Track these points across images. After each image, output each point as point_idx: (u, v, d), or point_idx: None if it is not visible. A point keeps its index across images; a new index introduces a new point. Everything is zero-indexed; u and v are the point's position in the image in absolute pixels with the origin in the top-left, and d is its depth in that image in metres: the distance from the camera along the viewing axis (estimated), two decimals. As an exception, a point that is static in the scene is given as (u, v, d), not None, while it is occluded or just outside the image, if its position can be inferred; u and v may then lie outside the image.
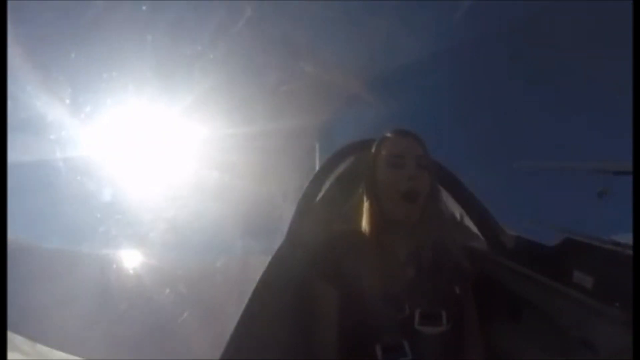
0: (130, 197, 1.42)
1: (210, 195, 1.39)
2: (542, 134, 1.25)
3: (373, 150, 0.95)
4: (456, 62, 1.36)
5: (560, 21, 1.19)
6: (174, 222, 1.39)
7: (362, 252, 0.90)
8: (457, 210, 1.20)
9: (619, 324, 0.76)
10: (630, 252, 0.79)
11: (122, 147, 1.39)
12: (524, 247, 1.06)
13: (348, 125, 1.44)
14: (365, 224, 0.92)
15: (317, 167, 1.22)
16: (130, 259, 1.44)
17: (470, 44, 1.32)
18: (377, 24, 1.34)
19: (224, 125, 1.36)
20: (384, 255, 0.90)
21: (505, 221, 1.13)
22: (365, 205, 0.93)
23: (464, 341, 0.90)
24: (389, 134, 0.96)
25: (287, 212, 1.13)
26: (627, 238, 0.80)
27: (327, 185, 1.16)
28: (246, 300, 0.90)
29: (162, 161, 1.40)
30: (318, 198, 1.14)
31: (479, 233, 1.14)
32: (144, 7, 1.29)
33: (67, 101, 1.34)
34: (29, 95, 1.28)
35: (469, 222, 1.16)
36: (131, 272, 1.41)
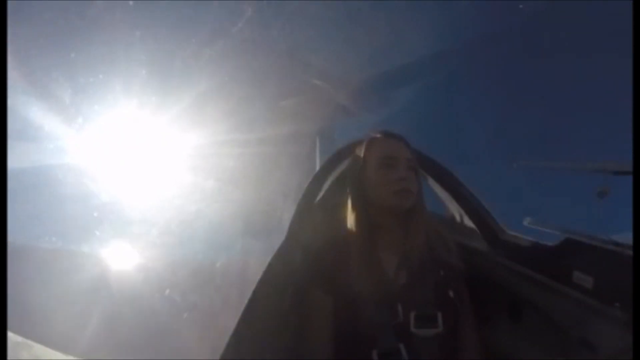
0: (131, 198, 1.42)
1: (210, 196, 1.39)
2: (542, 134, 1.25)
3: (362, 151, 0.95)
4: (456, 62, 1.36)
5: (560, 21, 1.20)
6: (174, 223, 1.39)
7: (353, 259, 0.90)
8: (456, 210, 1.20)
9: (619, 324, 0.76)
10: (630, 252, 0.79)
11: (123, 148, 1.38)
12: (523, 247, 1.06)
13: (348, 125, 1.44)
14: (353, 231, 0.92)
15: (317, 168, 1.22)
16: (130, 260, 1.44)
17: (470, 44, 1.32)
18: (378, 25, 1.34)
19: (224, 125, 1.36)
20: (375, 261, 0.91)
21: (505, 221, 1.13)
22: (352, 212, 0.93)
23: (460, 342, 0.90)
24: (377, 136, 0.96)
25: (287, 213, 1.13)
26: (627, 238, 0.80)
27: (327, 185, 1.16)
28: (246, 300, 0.90)
29: (163, 162, 1.40)
30: (318, 198, 1.14)
31: (478, 233, 1.14)
32: (143, 8, 1.29)
33: (67, 101, 1.34)
34: (25, 103, 1.28)
35: (468, 222, 1.16)
36: (131, 272, 1.41)
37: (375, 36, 1.35)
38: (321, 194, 1.15)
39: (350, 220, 0.93)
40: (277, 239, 1.04)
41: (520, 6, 1.21)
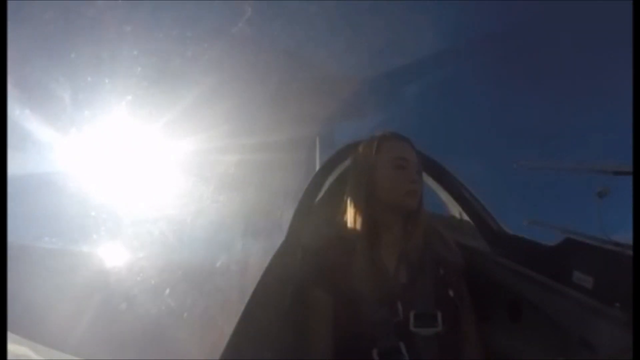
0: (130, 198, 1.42)
1: (210, 196, 1.39)
2: (542, 133, 1.25)
3: (373, 151, 0.96)
4: (457, 62, 1.36)
5: (560, 21, 1.20)
6: (174, 223, 1.39)
7: (355, 257, 0.90)
8: (456, 210, 1.20)
9: (619, 324, 0.76)
10: (630, 252, 0.79)
11: (122, 148, 1.39)
12: (523, 247, 1.06)
13: (349, 126, 1.44)
14: (356, 229, 0.92)
15: (317, 168, 1.22)
16: (130, 259, 1.44)
17: (470, 44, 1.32)
18: (378, 25, 1.34)
19: (224, 126, 1.36)
20: (375, 260, 0.91)
21: (505, 221, 1.13)
22: (356, 210, 0.93)
23: (460, 341, 0.90)
24: (387, 136, 0.97)
25: (287, 213, 1.13)
26: (627, 238, 0.80)
27: (327, 185, 1.16)
28: (246, 300, 0.91)
29: (162, 162, 1.40)
30: (318, 198, 1.14)
31: (478, 233, 1.14)
32: (143, 8, 1.29)
33: (67, 101, 1.34)
34: (25, 104, 1.28)
35: (468, 222, 1.16)
36: (131, 272, 1.41)
37: (375, 37, 1.35)
38: (321, 194, 1.15)
39: (353, 218, 0.93)
40: (277, 239, 1.04)
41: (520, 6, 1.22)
